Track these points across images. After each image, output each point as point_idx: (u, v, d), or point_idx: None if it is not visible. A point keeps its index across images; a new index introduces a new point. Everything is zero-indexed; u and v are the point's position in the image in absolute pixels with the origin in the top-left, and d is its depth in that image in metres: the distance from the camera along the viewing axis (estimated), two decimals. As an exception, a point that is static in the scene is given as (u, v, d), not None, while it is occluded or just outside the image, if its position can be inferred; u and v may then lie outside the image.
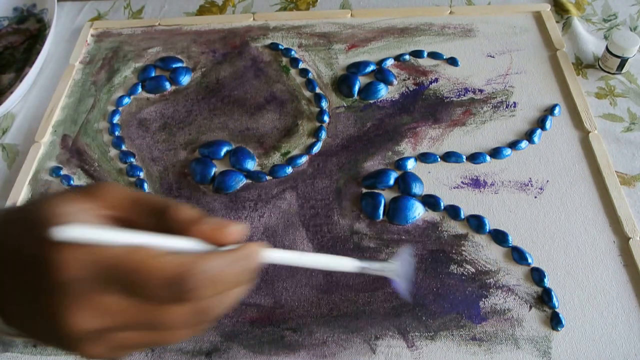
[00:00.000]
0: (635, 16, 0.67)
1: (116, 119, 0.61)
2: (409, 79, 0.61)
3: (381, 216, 0.51)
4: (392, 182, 0.53)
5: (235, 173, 0.55)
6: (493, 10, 0.68)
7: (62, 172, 0.57)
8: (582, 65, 0.62)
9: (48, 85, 0.66)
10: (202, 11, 0.73)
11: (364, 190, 0.53)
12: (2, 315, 0.26)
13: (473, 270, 0.47)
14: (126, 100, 0.63)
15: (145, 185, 0.55)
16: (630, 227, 0.48)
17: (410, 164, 0.54)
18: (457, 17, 0.67)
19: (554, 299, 0.45)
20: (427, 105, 0.59)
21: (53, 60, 0.69)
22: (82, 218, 0.24)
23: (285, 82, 0.63)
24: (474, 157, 0.54)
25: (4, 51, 0.71)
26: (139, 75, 0.65)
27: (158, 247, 0.24)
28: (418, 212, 0.51)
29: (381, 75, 0.61)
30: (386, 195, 0.52)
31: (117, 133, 0.60)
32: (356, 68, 0.62)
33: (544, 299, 0.45)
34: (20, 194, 0.55)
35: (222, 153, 0.57)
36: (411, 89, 0.60)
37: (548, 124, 0.56)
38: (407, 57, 0.63)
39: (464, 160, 0.54)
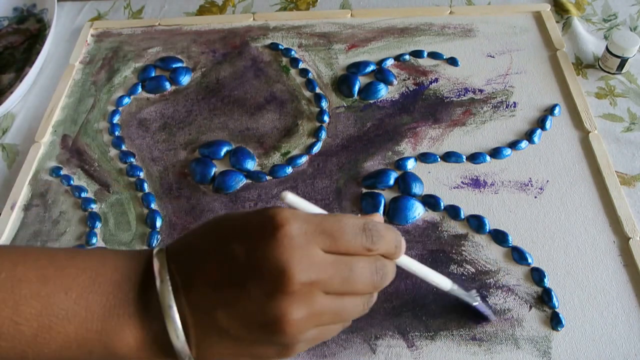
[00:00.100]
0: (635, 16, 0.67)
1: (116, 119, 0.61)
2: (409, 79, 0.62)
3: (381, 216, 0.51)
4: (392, 182, 0.53)
5: (235, 173, 0.55)
6: (493, 10, 0.68)
7: (62, 172, 0.57)
8: (582, 65, 0.62)
9: (48, 85, 0.66)
10: (202, 11, 0.73)
11: (364, 190, 0.53)
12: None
13: (473, 270, 0.47)
14: (126, 100, 0.63)
15: (145, 186, 0.55)
16: (630, 227, 0.48)
17: (410, 164, 0.54)
18: (457, 17, 0.68)
19: (554, 299, 0.45)
20: (427, 105, 0.59)
21: (53, 60, 0.69)
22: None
23: (285, 82, 0.63)
24: (474, 157, 0.54)
25: (4, 51, 0.71)
26: (139, 75, 0.65)
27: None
28: (418, 212, 0.51)
29: (381, 75, 0.62)
30: (386, 195, 0.52)
31: (117, 133, 0.60)
32: (356, 68, 0.62)
33: (544, 299, 0.45)
34: (20, 194, 0.55)
35: (222, 153, 0.57)
36: (411, 89, 0.60)
37: (548, 124, 0.56)
38: (407, 57, 0.63)
39: (464, 160, 0.54)
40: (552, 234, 0.49)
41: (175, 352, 0.30)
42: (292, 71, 0.64)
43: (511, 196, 0.51)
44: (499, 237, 0.48)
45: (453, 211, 0.50)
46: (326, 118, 0.59)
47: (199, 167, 0.55)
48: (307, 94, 0.61)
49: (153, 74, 0.65)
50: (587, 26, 0.66)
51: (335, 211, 0.51)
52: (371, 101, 0.60)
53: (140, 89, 0.64)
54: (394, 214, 0.50)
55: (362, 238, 0.30)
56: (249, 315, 0.29)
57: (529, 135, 0.55)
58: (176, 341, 0.29)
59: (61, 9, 0.75)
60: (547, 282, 0.46)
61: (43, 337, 0.29)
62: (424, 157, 0.55)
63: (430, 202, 0.51)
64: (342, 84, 0.61)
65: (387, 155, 0.55)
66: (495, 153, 0.54)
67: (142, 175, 0.56)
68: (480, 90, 0.60)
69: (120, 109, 0.62)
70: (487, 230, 0.49)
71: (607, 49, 0.59)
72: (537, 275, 0.46)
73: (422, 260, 0.48)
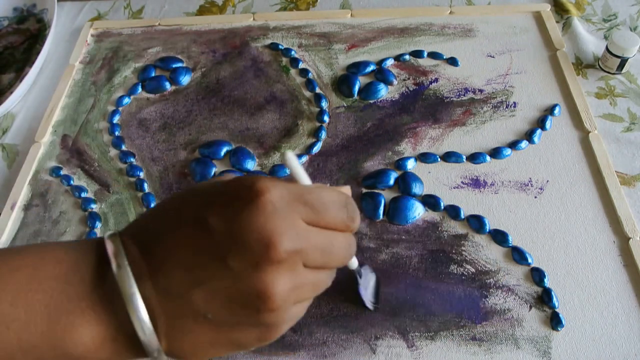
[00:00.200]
0: (635, 16, 0.67)
1: (116, 119, 0.61)
2: (409, 79, 0.62)
3: (381, 216, 0.51)
4: (392, 182, 0.53)
5: (235, 173, 0.55)
6: (493, 10, 0.68)
7: (62, 172, 0.57)
8: (582, 65, 0.62)
9: (48, 85, 0.66)
10: (202, 11, 0.73)
11: (364, 190, 0.53)
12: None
13: (473, 270, 0.47)
14: (126, 100, 0.63)
15: (145, 186, 0.55)
16: (630, 227, 0.48)
17: (410, 164, 0.54)
18: (457, 17, 0.67)
19: (554, 299, 0.45)
20: (427, 105, 0.59)
21: (53, 60, 0.69)
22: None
23: (285, 82, 0.63)
24: (474, 157, 0.54)
25: (4, 51, 0.71)
26: (139, 75, 0.65)
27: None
28: (418, 212, 0.51)
29: (381, 75, 0.62)
30: (386, 195, 0.52)
31: (117, 133, 0.60)
32: (356, 68, 0.62)
33: (544, 299, 0.45)
34: (20, 194, 0.55)
35: (222, 153, 0.57)
36: (411, 89, 0.60)
37: (548, 124, 0.56)
38: (407, 57, 0.63)
39: (464, 160, 0.54)
40: (552, 234, 0.49)
41: (141, 347, 0.27)
42: (292, 71, 0.64)
43: (511, 196, 0.51)
44: (499, 237, 0.48)
45: (453, 211, 0.50)
46: (326, 118, 0.59)
47: (199, 167, 0.55)
48: (307, 94, 0.61)
49: (153, 74, 0.65)
50: (587, 26, 0.66)
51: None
52: (371, 101, 0.60)
53: (140, 89, 0.64)
54: (394, 214, 0.50)
55: (343, 215, 0.29)
56: (230, 292, 0.26)
57: (529, 135, 0.55)
58: (142, 333, 0.26)
59: (61, 9, 0.75)
60: (547, 282, 0.46)
61: None
62: (424, 157, 0.55)
63: (430, 202, 0.51)
64: (342, 84, 0.61)
65: (387, 155, 0.55)
66: (495, 153, 0.54)
67: (142, 175, 0.56)
68: (480, 90, 0.60)
69: (120, 109, 0.62)
70: (487, 230, 0.49)
71: (607, 49, 0.59)
72: (537, 275, 0.46)
73: (422, 260, 0.48)
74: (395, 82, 0.61)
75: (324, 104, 0.60)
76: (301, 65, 0.64)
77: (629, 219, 0.49)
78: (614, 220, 0.49)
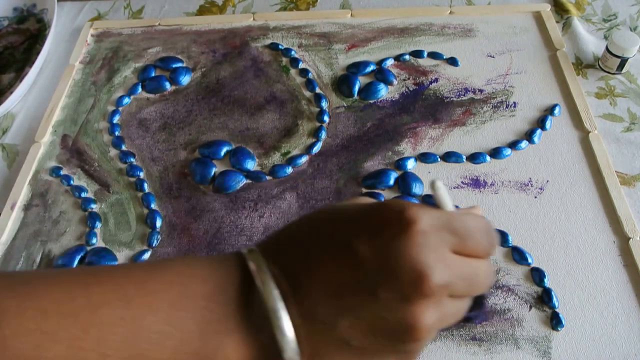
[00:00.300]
0: (635, 16, 0.67)
1: (116, 119, 0.61)
2: (409, 79, 0.62)
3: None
4: (392, 182, 0.53)
5: (235, 173, 0.55)
6: (493, 10, 0.68)
7: (62, 172, 0.57)
8: (582, 65, 0.62)
9: (48, 85, 0.66)
10: (202, 11, 0.73)
11: (364, 191, 0.53)
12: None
13: (473, 270, 0.47)
14: (126, 100, 0.63)
15: (145, 186, 0.55)
16: (630, 227, 0.48)
17: (410, 164, 0.54)
18: (457, 17, 0.67)
19: (554, 299, 0.45)
20: (427, 105, 0.59)
21: (53, 60, 0.69)
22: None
23: (285, 82, 0.63)
24: (474, 157, 0.54)
25: (4, 51, 0.71)
26: (139, 75, 0.65)
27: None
28: (418, 212, 0.50)
29: (381, 75, 0.62)
30: (386, 195, 0.52)
31: (117, 133, 0.60)
32: (356, 68, 0.62)
33: (544, 299, 0.45)
34: (20, 194, 0.55)
35: (222, 153, 0.57)
36: (411, 89, 0.60)
37: (548, 124, 0.56)
38: (407, 57, 0.63)
39: (464, 160, 0.54)
40: (552, 234, 0.49)
41: None
42: (292, 71, 0.64)
43: (511, 196, 0.51)
44: (499, 237, 0.48)
45: (453, 211, 0.50)
46: (326, 118, 0.59)
47: (199, 167, 0.55)
48: (307, 94, 0.61)
49: (153, 74, 0.65)
50: (587, 26, 0.66)
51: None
52: (371, 101, 0.60)
53: (140, 89, 0.64)
54: (394, 214, 0.50)
55: (486, 241, 0.28)
56: (377, 323, 0.26)
57: (529, 135, 0.55)
58: (286, 353, 0.26)
59: (61, 9, 0.75)
60: (547, 282, 0.46)
61: None
62: (424, 157, 0.55)
63: (430, 202, 0.51)
64: (342, 84, 0.61)
65: (387, 155, 0.55)
66: (495, 153, 0.54)
67: (142, 175, 0.56)
68: (480, 90, 0.60)
69: (120, 109, 0.62)
70: (487, 230, 0.49)
71: (607, 49, 0.59)
72: (537, 275, 0.46)
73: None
74: (395, 82, 0.61)
75: (324, 104, 0.60)
76: (301, 65, 0.64)
77: (629, 219, 0.49)
78: (614, 220, 0.49)
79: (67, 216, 0.54)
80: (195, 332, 0.26)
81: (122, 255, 0.50)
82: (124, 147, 0.59)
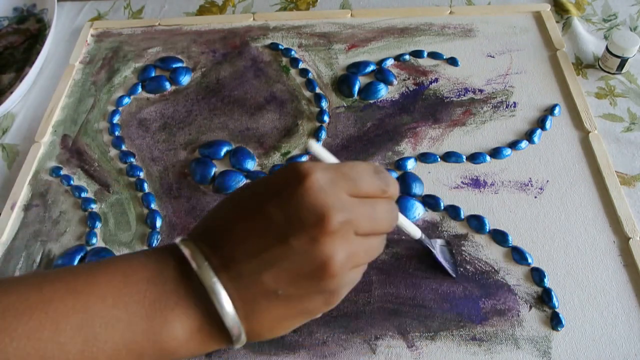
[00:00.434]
0: (635, 16, 0.67)
1: (116, 119, 0.61)
2: (409, 79, 0.62)
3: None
4: (392, 182, 0.53)
5: (235, 173, 0.55)
6: (493, 10, 0.68)
7: (62, 172, 0.57)
8: (582, 65, 0.62)
9: (48, 85, 0.66)
10: (202, 11, 0.73)
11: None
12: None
13: (473, 270, 0.47)
14: (126, 100, 0.63)
15: (145, 186, 0.55)
16: (630, 227, 0.48)
17: (410, 164, 0.54)
18: (457, 17, 0.68)
19: (554, 299, 0.45)
20: (427, 105, 0.59)
21: (53, 60, 0.69)
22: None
23: (285, 82, 0.63)
24: (474, 157, 0.54)
25: (4, 51, 0.71)
26: (139, 75, 0.65)
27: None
28: (418, 212, 0.51)
29: (381, 75, 0.62)
30: (386, 195, 0.52)
31: (117, 133, 0.60)
32: (356, 68, 0.62)
33: (544, 299, 0.45)
34: (20, 194, 0.55)
35: (222, 153, 0.57)
36: (411, 89, 0.60)
37: (548, 124, 0.56)
38: (407, 57, 0.63)
39: (464, 160, 0.54)
40: (552, 234, 0.49)
41: (226, 332, 0.30)
42: (292, 71, 0.64)
43: (511, 196, 0.51)
44: (499, 237, 0.48)
45: (453, 211, 0.50)
46: (326, 118, 0.59)
47: (199, 167, 0.55)
48: (307, 94, 0.61)
49: (153, 74, 0.65)
50: (587, 26, 0.66)
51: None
52: (371, 101, 0.60)
53: (140, 89, 0.64)
54: (394, 214, 0.50)
55: (378, 181, 0.32)
56: (295, 268, 0.29)
57: (529, 135, 0.55)
58: (226, 320, 0.29)
59: (61, 9, 0.75)
60: (547, 282, 0.46)
61: (90, 351, 0.29)
62: (424, 157, 0.55)
63: (430, 202, 0.51)
64: (342, 84, 0.61)
65: (387, 155, 0.55)
66: (495, 153, 0.54)
67: (142, 175, 0.56)
68: (480, 90, 0.60)
69: (120, 109, 0.62)
70: (487, 230, 0.49)
71: (607, 49, 0.59)
72: (537, 275, 0.46)
73: (422, 260, 0.48)
74: (395, 82, 0.61)
75: (324, 104, 0.60)
76: (301, 65, 0.64)
77: (629, 219, 0.49)
78: (614, 220, 0.49)
79: (67, 216, 0.54)
80: (141, 311, 0.29)
81: (122, 255, 0.50)
82: (124, 147, 0.59)
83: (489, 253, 0.48)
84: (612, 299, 0.45)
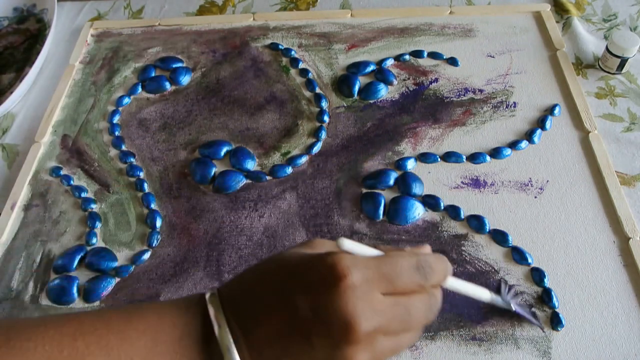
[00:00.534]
0: (635, 16, 0.67)
1: (116, 119, 0.61)
2: (409, 79, 0.62)
3: (381, 216, 0.51)
4: (392, 182, 0.53)
5: (235, 173, 0.55)
6: (493, 10, 0.68)
7: (62, 172, 0.57)
8: (582, 65, 0.62)
9: (48, 85, 0.66)
10: (202, 11, 0.73)
11: (364, 191, 0.53)
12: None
13: (473, 270, 0.47)
14: (126, 100, 0.63)
15: (145, 186, 0.55)
16: (630, 227, 0.48)
17: (410, 164, 0.54)
18: (457, 17, 0.68)
19: (554, 299, 0.45)
20: (427, 105, 0.59)
21: (53, 60, 0.69)
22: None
23: (285, 82, 0.63)
24: (474, 157, 0.54)
25: (4, 51, 0.71)
26: (139, 75, 0.65)
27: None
28: (418, 212, 0.51)
29: (381, 75, 0.62)
30: (386, 196, 0.52)
31: (117, 133, 0.60)
32: (356, 68, 0.62)
33: (544, 299, 0.45)
34: (20, 194, 0.55)
35: (222, 153, 0.57)
36: (411, 89, 0.60)
37: (548, 124, 0.56)
38: (407, 57, 0.63)
39: (464, 160, 0.54)
40: (552, 234, 0.49)
41: None
42: (292, 71, 0.64)
43: (511, 196, 0.51)
44: (499, 237, 0.48)
45: (453, 211, 0.50)
46: (326, 118, 0.59)
47: (199, 167, 0.55)
48: (307, 94, 0.61)
49: (153, 74, 0.65)
50: (587, 26, 0.66)
51: (335, 212, 0.52)
52: (371, 101, 0.60)
53: (140, 89, 0.64)
54: (394, 214, 0.50)
55: (416, 277, 0.31)
56: None
57: (529, 135, 0.55)
58: None
59: (61, 9, 0.75)
60: (547, 282, 0.46)
61: None
62: (424, 157, 0.55)
63: (430, 202, 0.51)
64: (342, 84, 0.61)
65: (387, 155, 0.55)
66: (495, 153, 0.54)
67: (142, 175, 0.56)
68: (480, 90, 0.60)
69: (120, 109, 0.62)
70: (487, 230, 0.49)
71: (607, 49, 0.59)
72: (537, 275, 0.46)
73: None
74: (395, 82, 0.61)
75: (324, 104, 0.60)
76: (301, 65, 0.64)
77: (629, 219, 0.49)
78: (614, 220, 0.49)
79: (67, 216, 0.54)
80: None
81: (122, 255, 0.50)
82: (124, 147, 0.59)
83: (489, 253, 0.48)
84: (612, 299, 0.45)
